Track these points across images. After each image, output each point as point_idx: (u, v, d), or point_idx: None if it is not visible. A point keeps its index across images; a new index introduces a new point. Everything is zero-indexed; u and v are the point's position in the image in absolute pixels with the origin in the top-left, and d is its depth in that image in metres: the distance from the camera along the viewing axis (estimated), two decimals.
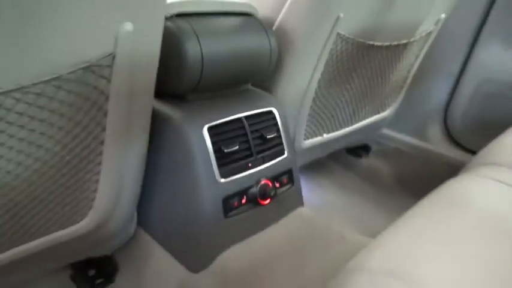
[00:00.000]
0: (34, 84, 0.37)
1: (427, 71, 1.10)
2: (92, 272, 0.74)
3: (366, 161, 1.29)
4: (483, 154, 0.66)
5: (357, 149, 1.27)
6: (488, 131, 0.91)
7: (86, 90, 0.42)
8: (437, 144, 1.14)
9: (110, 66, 0.42)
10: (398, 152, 1.21)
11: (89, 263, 0.73)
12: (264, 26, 0.64)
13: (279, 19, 0.69)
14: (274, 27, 0.69)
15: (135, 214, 0.66)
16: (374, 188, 1.19)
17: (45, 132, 0.42)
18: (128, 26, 0.40)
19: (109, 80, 0.43)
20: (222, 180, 0.58)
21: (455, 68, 1.10)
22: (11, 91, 0.36)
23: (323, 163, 1.28)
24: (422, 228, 0.39)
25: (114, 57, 0.41)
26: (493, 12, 1.01)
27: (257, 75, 0.66)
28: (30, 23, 0.34)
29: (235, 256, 0.59)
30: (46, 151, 0.43)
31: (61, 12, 0.35)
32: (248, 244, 0.60)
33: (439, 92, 1.15)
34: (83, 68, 0.40)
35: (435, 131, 1.16)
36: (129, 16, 0.40)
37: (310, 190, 1.15)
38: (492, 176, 0.52)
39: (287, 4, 0.67)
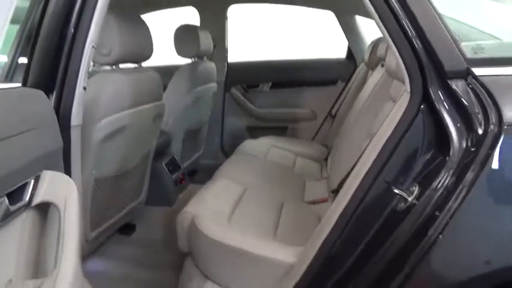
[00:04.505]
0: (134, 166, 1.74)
1: (211, 132, 2.72)
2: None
3: None
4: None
5: None
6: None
7: (146, 156, 1.79)
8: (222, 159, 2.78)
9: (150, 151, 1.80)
10: None
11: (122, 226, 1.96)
12: None
13: None
14: None
15: None
16: None
17: (137, 170, 1.76)
18: (154, 143, 1.81)
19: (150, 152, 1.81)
20: (172, 176, 2.00)
21: (219, 127, 2.79)
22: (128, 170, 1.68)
23: None
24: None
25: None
26: (225, 107, 2.75)
27: None
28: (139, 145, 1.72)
29: (181, 196, 2.02)
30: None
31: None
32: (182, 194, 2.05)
33: (217, 138, 2.81)
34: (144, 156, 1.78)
35: (220, 154, 2.81)
36: (155, 138, 1.81)
37: None
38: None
39: None
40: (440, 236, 0.90)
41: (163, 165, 2.00)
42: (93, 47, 1.11)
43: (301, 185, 1.95)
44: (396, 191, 0.95)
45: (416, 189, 0.95)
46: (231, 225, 1.37)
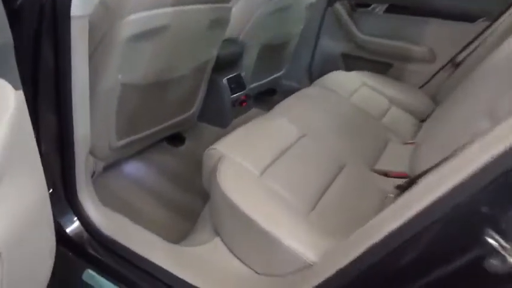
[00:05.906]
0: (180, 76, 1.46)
1: (300, 51, 2.31)
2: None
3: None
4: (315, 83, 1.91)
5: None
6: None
7: (201, 68, 1.52)
8: (307, 84, 2.40)
9: (208, 62, 1.52)
10: None
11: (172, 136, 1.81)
12: None
13: None
14: None
15: None
16: None
17: (185, 81, 1.51)
18: (213, 53, 1.51)
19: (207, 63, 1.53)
20: (232, 96, 1.73)
21: (311, 47, 2.36)
22: (171, 80, 1.41)
23: None
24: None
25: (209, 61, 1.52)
26: (323, 25, 2.27)
27: None
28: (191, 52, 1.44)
29: (237, 120, 1.76)
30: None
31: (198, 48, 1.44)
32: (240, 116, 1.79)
33: (305, 60, 2.41)
34: (197, 67, 1.49)
35: (305, 79, 2.43)
36: (215, 47, 1.50)
37: None
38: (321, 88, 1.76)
39: None
40: None
41: (224, 80, 1.72)
42: None
43: (381, 146, 1.53)
44: (490, 240, 0.55)
45: None
46: (261, 181, 1.08)
